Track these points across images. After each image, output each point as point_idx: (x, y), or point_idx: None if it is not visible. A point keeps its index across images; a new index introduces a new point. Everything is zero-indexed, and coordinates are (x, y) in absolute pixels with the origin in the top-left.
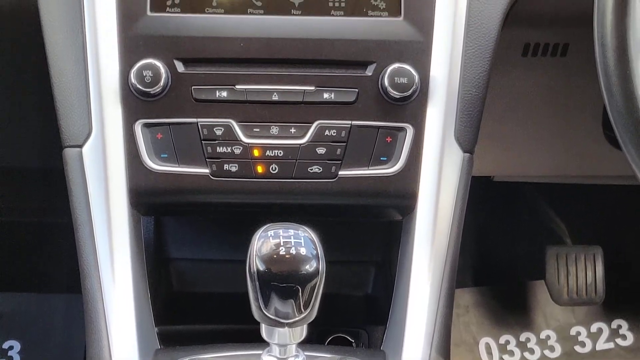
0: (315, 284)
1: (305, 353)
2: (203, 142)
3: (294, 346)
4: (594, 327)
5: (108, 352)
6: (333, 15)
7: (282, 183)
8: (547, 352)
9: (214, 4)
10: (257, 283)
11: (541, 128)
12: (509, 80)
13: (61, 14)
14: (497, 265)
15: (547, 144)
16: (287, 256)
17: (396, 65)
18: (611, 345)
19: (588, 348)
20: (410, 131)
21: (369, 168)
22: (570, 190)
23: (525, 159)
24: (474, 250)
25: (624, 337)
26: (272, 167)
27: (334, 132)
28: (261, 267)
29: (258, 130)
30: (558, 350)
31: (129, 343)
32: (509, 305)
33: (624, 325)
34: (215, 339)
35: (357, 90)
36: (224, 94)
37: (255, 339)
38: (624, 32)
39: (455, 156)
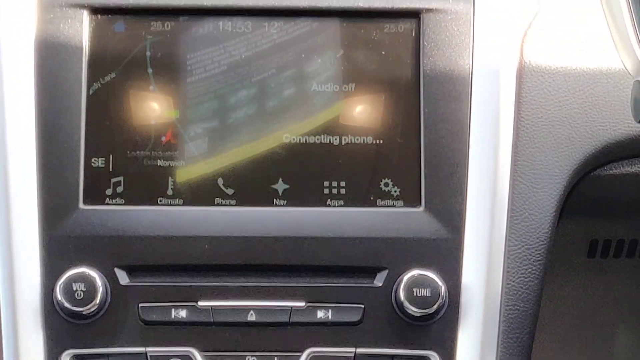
0: None
1: None
2: None
3: None
4: None
5: None
6: (329, 205)
7: None
8: None
9: (170, 192)
10: None
11: (623, 356)
12: (572, 289)
13: None
14: None
15: None
16: None
17: (415, 272)
18: None
19: None
20: None
21: None
22: None
23: None
24: None
25: None
26: None
27: None
28: None
29: None
30: None
31: None
32: None
33: None
34: None
35: (362, 306)
36: (183, 313)
37: None
38: None
39: None
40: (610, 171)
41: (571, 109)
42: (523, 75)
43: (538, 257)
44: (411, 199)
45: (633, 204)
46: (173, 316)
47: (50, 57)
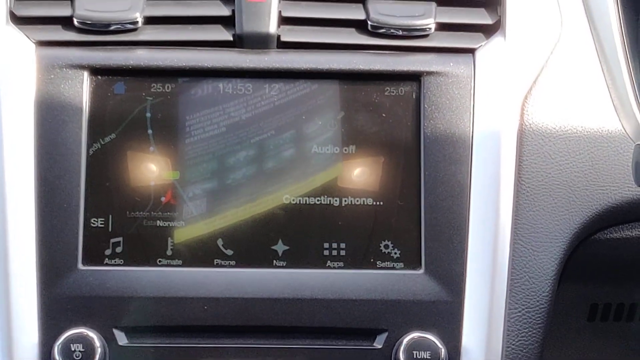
0: None
1: None
2: None
3: None
4: None
5: None
6: (330, 267)
7: None
8: None
9: (169, 253)
10: None
11: None
12: (572, 353)
13: None
14: None
15: None
16: None
17: (415, 334)
18: None
19: None
20: None
21: None
22: None
23: None
24: None
25: None
26: None
27: None
28: None
29: None
30: None
31: None
32: None
33: None
34: None
35: None
36: None
37: None
38: None
39: None
40: (611, 235)
41: (571, 172)
42: (523, 137)
43: (538, 320)
44: (411, 261)
45: (633, 268)
46: None
47: (50, 118)
